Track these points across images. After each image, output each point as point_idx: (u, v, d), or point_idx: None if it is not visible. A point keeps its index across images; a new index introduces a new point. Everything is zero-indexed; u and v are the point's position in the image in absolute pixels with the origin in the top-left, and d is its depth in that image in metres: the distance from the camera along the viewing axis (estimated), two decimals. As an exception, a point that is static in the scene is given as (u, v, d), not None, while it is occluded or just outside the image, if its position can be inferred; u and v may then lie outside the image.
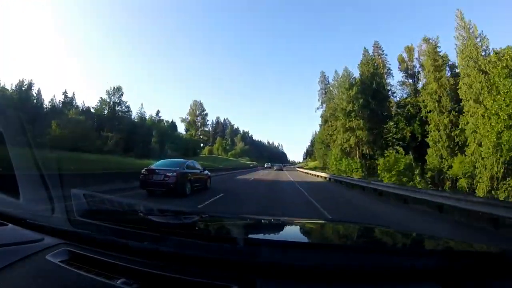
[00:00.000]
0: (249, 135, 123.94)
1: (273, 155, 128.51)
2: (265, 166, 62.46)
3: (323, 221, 2.29)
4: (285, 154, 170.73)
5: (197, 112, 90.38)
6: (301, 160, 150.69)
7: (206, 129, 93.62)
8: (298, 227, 1.70)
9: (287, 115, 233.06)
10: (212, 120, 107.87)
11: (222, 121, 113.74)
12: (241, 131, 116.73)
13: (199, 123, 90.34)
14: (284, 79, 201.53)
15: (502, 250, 0.98)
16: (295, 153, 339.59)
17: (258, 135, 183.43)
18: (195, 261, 0.84)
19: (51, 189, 1.59)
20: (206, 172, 11.57)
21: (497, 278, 0.81)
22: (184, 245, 0.92)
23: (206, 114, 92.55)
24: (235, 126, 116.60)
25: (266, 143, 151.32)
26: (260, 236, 1.47)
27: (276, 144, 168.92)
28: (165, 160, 10.88)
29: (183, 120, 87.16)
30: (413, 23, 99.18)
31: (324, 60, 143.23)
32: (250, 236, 1.33)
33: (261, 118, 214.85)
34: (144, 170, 8.80)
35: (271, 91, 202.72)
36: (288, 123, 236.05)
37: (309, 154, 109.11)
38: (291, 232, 1.63)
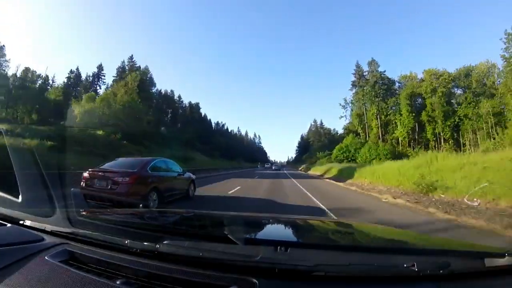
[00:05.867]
0: (195, 105, 66.17)
1: (242, 149, 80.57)
2: (265, 166, 59.64)
3: (323, 221, 2.29)
4: (264, 150, 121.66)
5: None
6: (284, 160, 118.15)
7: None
8: (298, 227, 1.70)
9: (270, 110, 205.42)
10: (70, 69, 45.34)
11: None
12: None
13: None
14: (272, 69, 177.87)
15: (502, 250, 0.98)
16: (276, 152, 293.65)
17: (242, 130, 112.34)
18: (195, 261, 0.84)
19: (51, 189, 1.59)
20: (187, 175, 8.38)
21: (496, 278, 0.81)
22: (184, 245, 0.93)
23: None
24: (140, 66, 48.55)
25: (237, 133, 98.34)
26: (260, 236, 1.47)
27: (250, 135, 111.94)
28: (122, 158, 7.38)
29: None
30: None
31: (318, 56, 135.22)
32: (250, 236, 1.33)
33: (244, 112, 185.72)
34: (86, 172, 6.02)
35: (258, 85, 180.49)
36: (270, 117, 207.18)
37: (305, 148, 78.08)
38: (291, 232, 1.63)
